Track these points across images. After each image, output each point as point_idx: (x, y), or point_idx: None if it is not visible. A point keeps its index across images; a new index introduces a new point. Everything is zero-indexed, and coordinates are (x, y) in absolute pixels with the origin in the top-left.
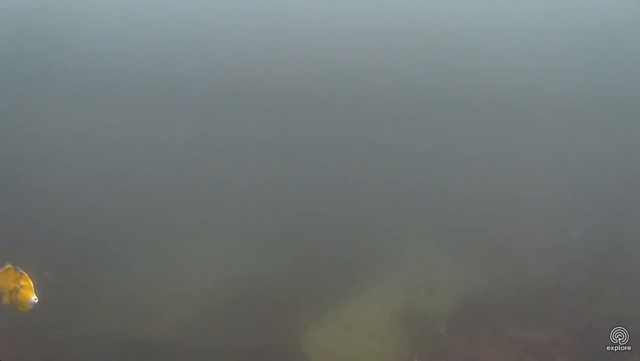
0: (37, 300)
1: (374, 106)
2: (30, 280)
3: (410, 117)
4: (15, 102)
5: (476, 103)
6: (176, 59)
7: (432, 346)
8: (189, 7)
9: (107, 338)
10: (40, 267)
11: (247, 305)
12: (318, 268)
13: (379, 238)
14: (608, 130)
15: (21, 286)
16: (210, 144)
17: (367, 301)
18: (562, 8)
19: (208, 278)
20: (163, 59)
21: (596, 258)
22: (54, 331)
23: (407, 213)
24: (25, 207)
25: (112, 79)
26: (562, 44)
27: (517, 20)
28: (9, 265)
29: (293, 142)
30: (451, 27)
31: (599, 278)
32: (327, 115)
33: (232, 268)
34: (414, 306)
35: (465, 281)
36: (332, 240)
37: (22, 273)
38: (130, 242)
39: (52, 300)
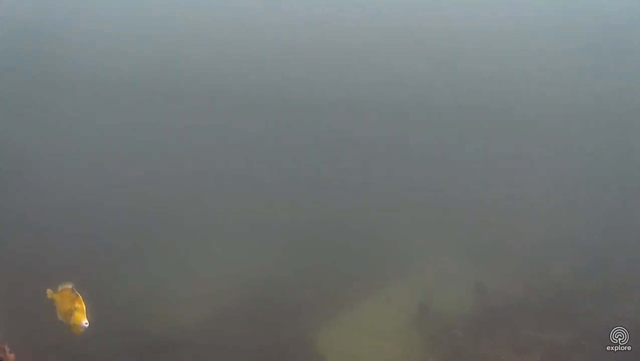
0: (87, 325)
1: (384, 108)
2: (83, 303)
3: (422, 119)
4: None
5: (484, 106)
6: (186, 59)
7: (449, 348)
8: (192, 5)
9: (120, 337)
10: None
11: (261, 305)
12: (332, 270)
13: (393, 240)
14: (619, 129)
15: (75, 308)
16: (225, 146)
17: (383, 302)
18: (563, 10)
19: (222, 279)
20: (171, 57)
21: (615, 259)
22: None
23: (422, 216)
24: (31, 208)
25: (119, 78)
26: (565, 46)
27: (518, 23)
28: (68, 285)
29: (305, 145)
30: (456, 30)
31: (618, 280)
32: (339, 118)
33: (246, 270)
34: (430, 307)
35: (482, 283)
36: (346, 241)
37: (77, 295)
38: (143, 244)
39: None
